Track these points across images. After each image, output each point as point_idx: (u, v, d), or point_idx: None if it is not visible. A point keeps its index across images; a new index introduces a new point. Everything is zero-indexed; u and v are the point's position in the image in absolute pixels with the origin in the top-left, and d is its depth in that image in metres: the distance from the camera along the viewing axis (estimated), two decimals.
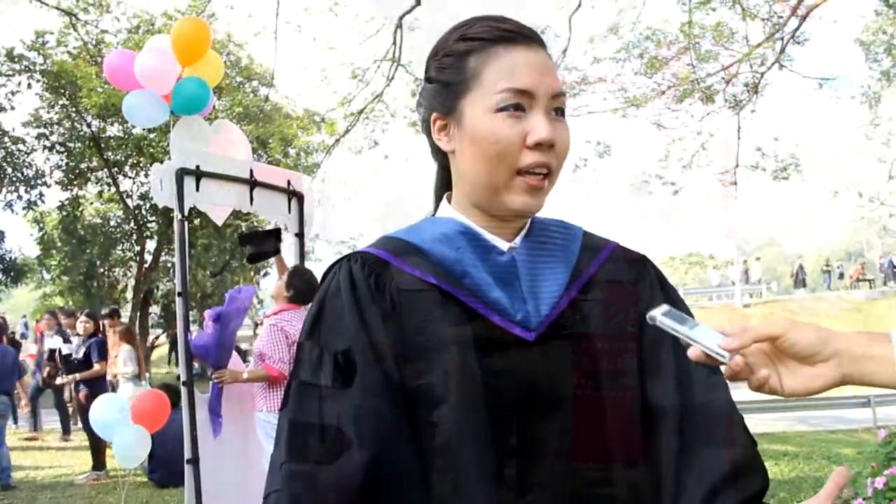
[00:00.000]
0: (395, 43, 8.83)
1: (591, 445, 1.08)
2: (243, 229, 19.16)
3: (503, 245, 1.15)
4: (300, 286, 4.83)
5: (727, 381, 1.04)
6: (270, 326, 4.75)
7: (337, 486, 0.98)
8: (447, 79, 1.13)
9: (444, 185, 1.24)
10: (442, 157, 1.21)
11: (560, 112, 1.11)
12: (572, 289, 1.14)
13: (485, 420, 1.04)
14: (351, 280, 1.09)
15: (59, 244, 19.42)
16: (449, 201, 1.21)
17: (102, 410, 4.76)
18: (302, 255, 5.17)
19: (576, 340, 1.11)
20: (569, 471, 1.06)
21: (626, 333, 1.14)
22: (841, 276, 31.06)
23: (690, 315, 1.07)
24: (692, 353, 0.94)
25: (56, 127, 18.21)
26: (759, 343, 0.95)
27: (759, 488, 1.07)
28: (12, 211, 18.19)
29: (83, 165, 18.67)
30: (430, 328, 1.07)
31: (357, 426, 1.00)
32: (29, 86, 17.30)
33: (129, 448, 4.82)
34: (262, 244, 5.15)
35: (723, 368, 0.94)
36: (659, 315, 0.98)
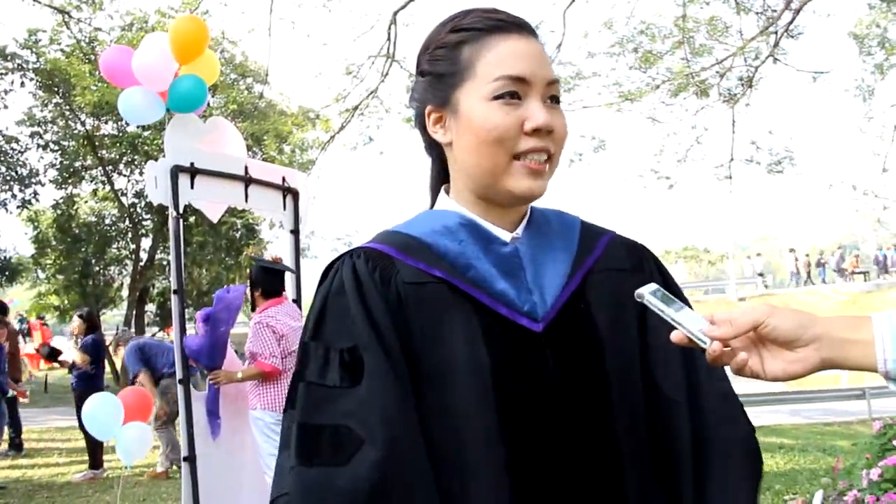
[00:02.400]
0: (389, 39, 8.80)
1: (599, 434, 1.08)
2: (239, 226, 19.21)
3: (505, 236, 1.14)
4: (263, 280, 4.91)
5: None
6: (256, 325, 4.80)
7: (350, 486, 0.96)
8: (441, 70, 1.13)
9: (439, 178, 1.24)
10: (437, 151, 1.21)
11: (555, 100, 1.12)
12: (575, 278, 1.14)
13: (494, 412, 1.04)
14: (355, 276, 1.08)
15: (54, 243, 19.37)
16: (447, 193, 1.21)
17: (96, 411, 4.75)
18: (297, 251, 5.16)
19: (581, 329, 1.12)
20: (578, 461, 1.06)
21: (629, 320, 1.15)
22: (840, 272, 30.97)
23: (686, 301, 1.09)
24: (675, 336, 0.96)
25: (50, 125, 18.19)
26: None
27: (761, 470, 1.13)
28: (7, 210, 18.18)
29: (77, 164, 18.65)
30: (437, 322, 1.07)
31: (368, 425, 0.99)
32: (22, 84, 17.27)
33: (134, 446, 4.84)
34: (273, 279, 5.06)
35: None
36: (647, 293, 0.99)
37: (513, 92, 1.07)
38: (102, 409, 4.76)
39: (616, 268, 1.19)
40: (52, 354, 8.49)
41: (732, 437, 1.12)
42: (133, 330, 18.92)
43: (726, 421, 1.12)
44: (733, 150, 10.05)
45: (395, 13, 8.66)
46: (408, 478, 0.98)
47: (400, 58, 9.21)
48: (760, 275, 30.15)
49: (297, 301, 5.15)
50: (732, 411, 1.14)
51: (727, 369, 1.02)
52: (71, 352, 8.19)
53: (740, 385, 1.21)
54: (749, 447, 1.12)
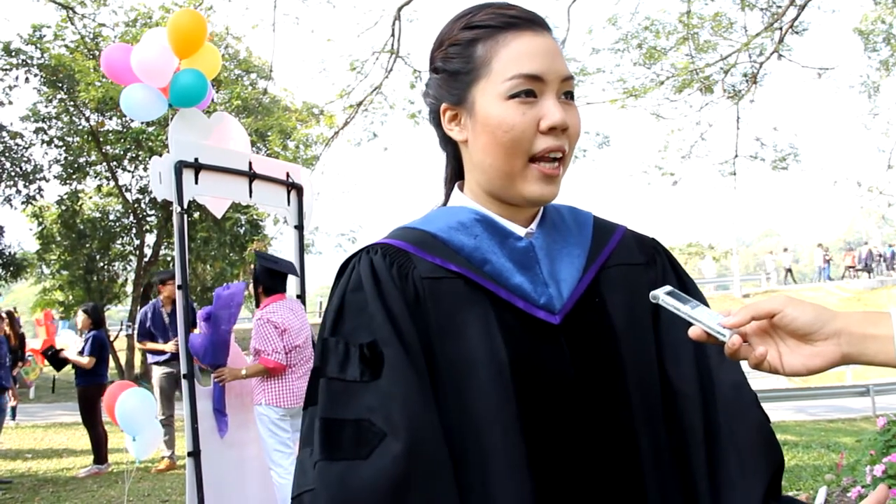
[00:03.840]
0: (393, 34, 8.78)
1: (617, 426, 1.09)
2: (243, 222, 19.23)
3: (520, 231, 1.15)
4: (264, 277, 4.94)
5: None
6: (258, 321, 4.84)
7: (373, 480, 0.96)
8: (455, 68, 1.13)
9: (454, 174, 1.24)
10: (452, 147, 1.21)
11: (570, 96, 1.12)
12: (590, 272, 1.15)
13: (513, 405, 1.04)
14: (373, 272, 1.08)
15: (59, 239, 19.42)
16: (461, 190, 1.21)
17: (132, 405, 4.79)
18: (301, 247, 5.17)
19: (597, 323, 1.13)
20: (597, 453, 1.06)
21: (643, 314, 1.16)
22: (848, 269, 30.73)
23: (701, 296, 1.09)
24: (693, 332, 0.97)
25: (54, 121, 18.21)
26: (759, 321, 0.96)
27: (782, 459, 1.12)
28: (11, 206, 18.22)
29: (82, 160, 18.69)
30: (454, 316, 1.07)
31: (390, 419, 0.99)
32: (26, 80, 17.28)
33: (150, 441, 4.89)
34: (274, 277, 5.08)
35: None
36: (662, 294, 1.01)
37: (528, 90, 1.07)
38: (136, 404, 4.81)
39: (630, 262, 1.20)
40: (57, 361, 8.36)
41: (745, 426, 1.11)
42: (137, 325, 18.98)
43: (738, 411, 1.12)
44: (738, 147, 10.03)
45: (400, 9, 8.64)
46: (429, 471, 0.98)
47: (404, 53, 9.20)
48: (788, 270, 29.94)
49: (301, 296, 5.16)
50: (745, 401, 1.13)
51: (745, 365, 1.01)
52: (75, 351, 8.15)
53: None
54: (762, 436, 1.11)
